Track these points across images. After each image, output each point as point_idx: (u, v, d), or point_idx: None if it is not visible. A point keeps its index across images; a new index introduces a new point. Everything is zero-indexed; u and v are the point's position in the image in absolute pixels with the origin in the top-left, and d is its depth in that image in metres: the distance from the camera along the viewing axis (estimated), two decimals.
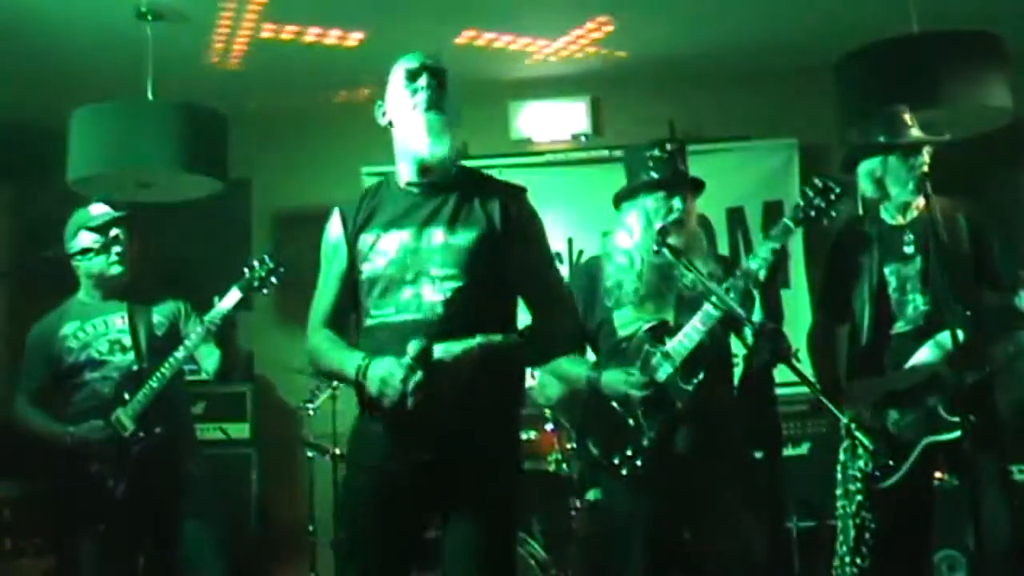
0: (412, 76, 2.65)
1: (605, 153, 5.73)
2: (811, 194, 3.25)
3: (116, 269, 3.85)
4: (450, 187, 2.65)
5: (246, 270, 3.73)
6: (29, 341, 3.92)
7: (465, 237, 2.58)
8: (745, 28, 5.25)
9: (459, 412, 2.48)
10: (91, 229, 3.84)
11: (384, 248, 2.63)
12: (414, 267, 2.58)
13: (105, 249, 3.81)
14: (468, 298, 2.54)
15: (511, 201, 2.66)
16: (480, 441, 2.55)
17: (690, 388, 3.21)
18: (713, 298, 3.10)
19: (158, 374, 3.69)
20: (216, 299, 3.74)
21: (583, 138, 6.10)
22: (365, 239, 2.67)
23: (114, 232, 3.85)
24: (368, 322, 2.65)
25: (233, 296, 3.69)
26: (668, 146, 3.38)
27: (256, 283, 3.71)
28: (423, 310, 2.54)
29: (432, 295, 2.55)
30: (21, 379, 3.92)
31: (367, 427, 2.63)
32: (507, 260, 2.60)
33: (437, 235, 2.59)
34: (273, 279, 3.72)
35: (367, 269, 2.65)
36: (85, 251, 3.82)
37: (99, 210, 3.91)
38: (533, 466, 4.43)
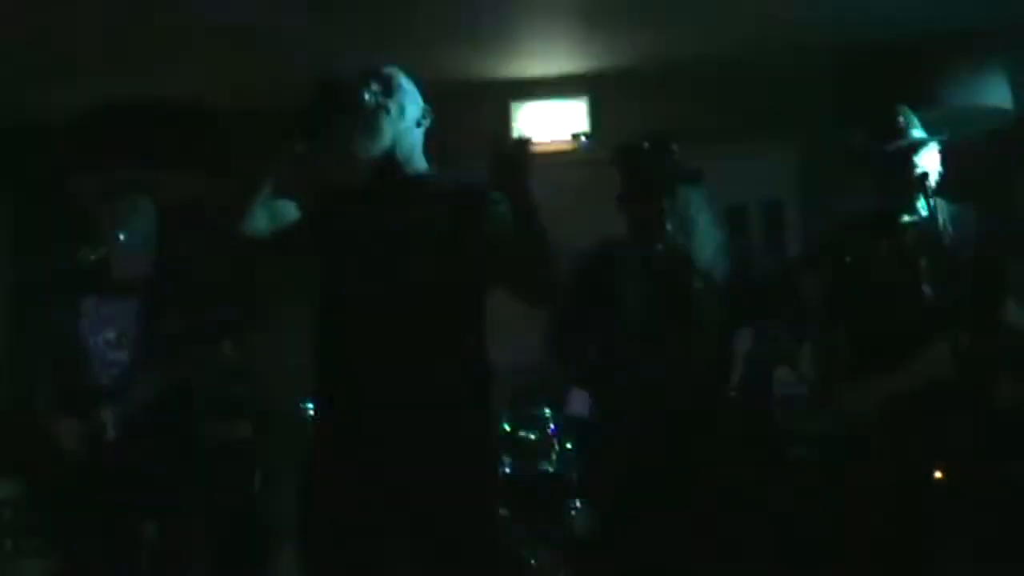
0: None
1: (605, 153, 5.72)
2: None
3: (137, 246, 3.79)
4: (418, 187, 2.60)
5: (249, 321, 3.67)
6: (52, 307, 3.88)
7: (424, 237, 2.51)
8: (745, 28, 5.25)
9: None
10: (111, 200, 3.81)
11: (342, 247, 2.58)
12: (368, 269, 2.52)
13: (115, 243, 3.77)
14: (423, 301, 2.47)
15: (479, 201, 2.57)
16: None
17: (685, 393, 3.18)
18: (710, 303, 3.10)
19: (147, 384, 3.66)
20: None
21: (583, 138, 6.09)
22: (326, 234, 2.63)
23: (133, 208, 3.80)
24: (324, 319, 2.61)
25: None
26: (655, 143, 3.37)
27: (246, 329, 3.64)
28: (376, 311, 2.48)
29: (386, 301, 2.48)
30: (43, 344, 3.91)
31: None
32: (469, 260, 2.51)
33: (395, 233, 2.53)
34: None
35: (327, 269, 2.62)
36: (101, 248, 3.78)
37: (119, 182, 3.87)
38: (533, 466, 4.43)
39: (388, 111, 2.57)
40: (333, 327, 2.56)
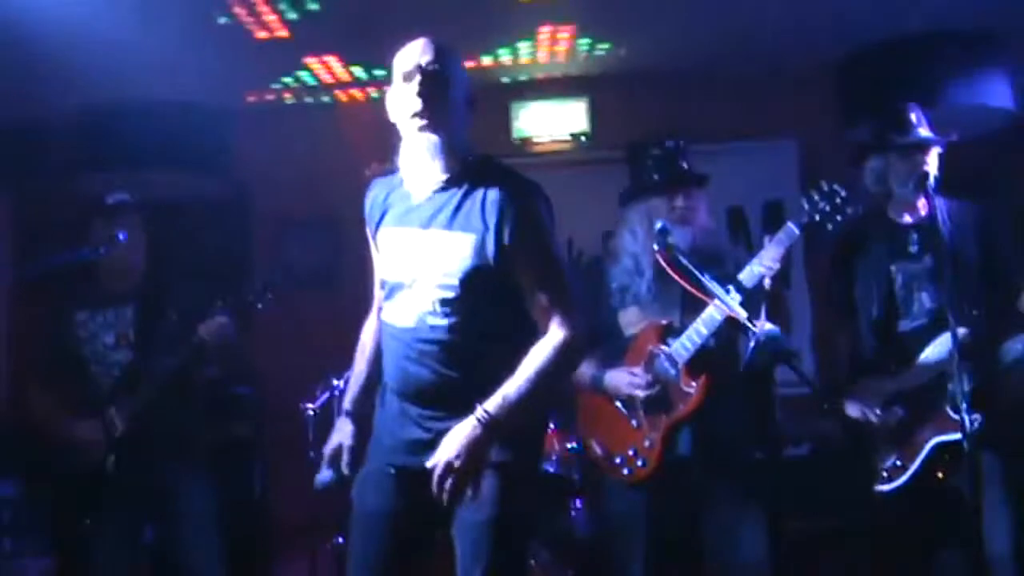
0: (406, 77, 2.51)
1: (605, 153, 5.73)
2: (816, 198, 3.24)
3: (128, 261, 3.81)
4: (458, 183, 2.52)
5: (250, 295, 3.68)
6: (45, 325, 3.90)
7: (461, 240, 2.47)
8: (745, 28, 5.25)
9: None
10: (102, 216, 3.83)
11: (391, 249, 2.59)
12: (413, 271, 2.52)
13: (113, 242, 3.78)
14: (462, 304, 2.47)
15: (515, 201, 2.49)
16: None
17: (691, 391, 3.21)
18: (715, 300, 3.09)
19: (152, 378, 3.67)
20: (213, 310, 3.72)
21: (583, 138, 6.10)
22: (381, 237, 2.64)
23: (124, 219, 3.80)
24: (383, 318, 2.64)
25: (220, 319, 3.65)
26: (668, 143, 3.38)
27: (247, 304, 3.66)
28: (418, 317, 2.50)
29: (427, 301, 2.49)
30: (35, 362, 3.92)
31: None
32: (507, 263, 2.47)
33: (436, 237, 2.49)
34: (269, 296, 3.68)
35: (380, 269, 2.64)
36: (97, 247, 3.79)
37: (112, 198, 3.88)
38: None
39: (448, 88, 2.50)
40: (389, 329, 2.60)
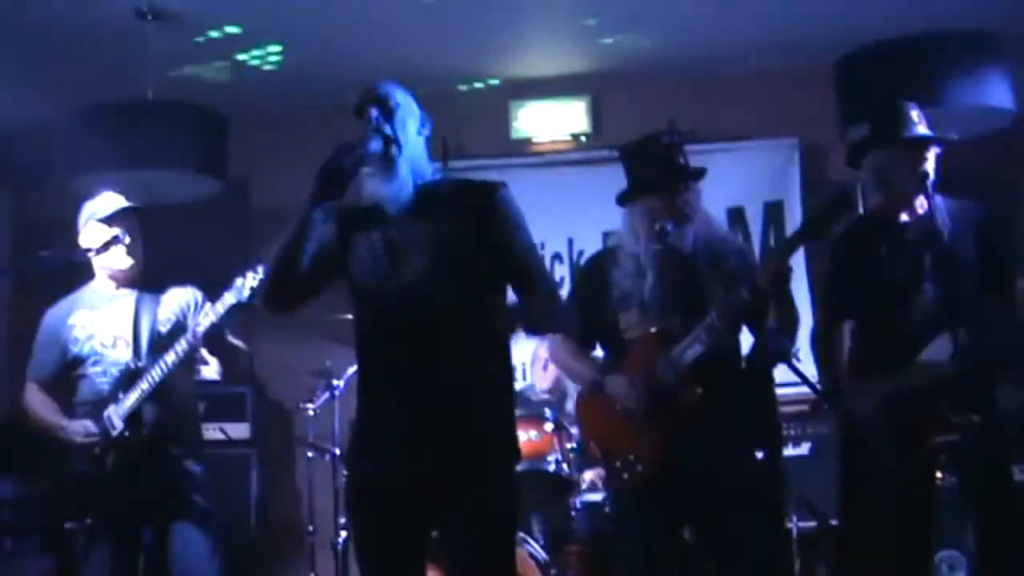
0: (358, 113, 2.68)
1: (605, 153, 5.72)
2: (821, 205, 3.20)
3: (126, 262, 3.84)
4: (428, 198, 2.67)
5: (238, 279, 3.68)
6: (42, 327, 3.91)
7: (443, 236, 2.60)
8: (745, 28, 5.25)
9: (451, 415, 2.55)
10: (101, 220, 3.83)
11: (372, 254, 2.67)
12: (399, 270, 2.62)
13: (115, 242, 3.79)
14: (451, 298, 2.57)
15: (486, 197, 2.66)
16: (473, 445, 2.58)
17: (692, 397, 3.18)
18: (716, 305, 3.08)
19: (149, 376, 3.69)
20: (208, 305, 3.73)
21: (583, 138, 6.10)
22: (357, 248, 2.72)
23: (123, 224, 3.83)
24: (358, 326, 2.71)
25: (220, 308, 3.66)
26: (664, 140, 3.36)
27: (246, 294, 3.67)
28: (402, 314, 2.58)
29: (417, 297, 2.58)
30: (31, 365, 3.92)
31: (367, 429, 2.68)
32: (485, 258, 2.62)
33: (415, 236, 2.62)
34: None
35: (355, 278, 2.70)
36: (96, 247, 3.80)
37: (108, 201, 3.88)
38: (533, 466, 4.42)
39: (395, 140, 2.64)
40: (368, 336, 2.69)
